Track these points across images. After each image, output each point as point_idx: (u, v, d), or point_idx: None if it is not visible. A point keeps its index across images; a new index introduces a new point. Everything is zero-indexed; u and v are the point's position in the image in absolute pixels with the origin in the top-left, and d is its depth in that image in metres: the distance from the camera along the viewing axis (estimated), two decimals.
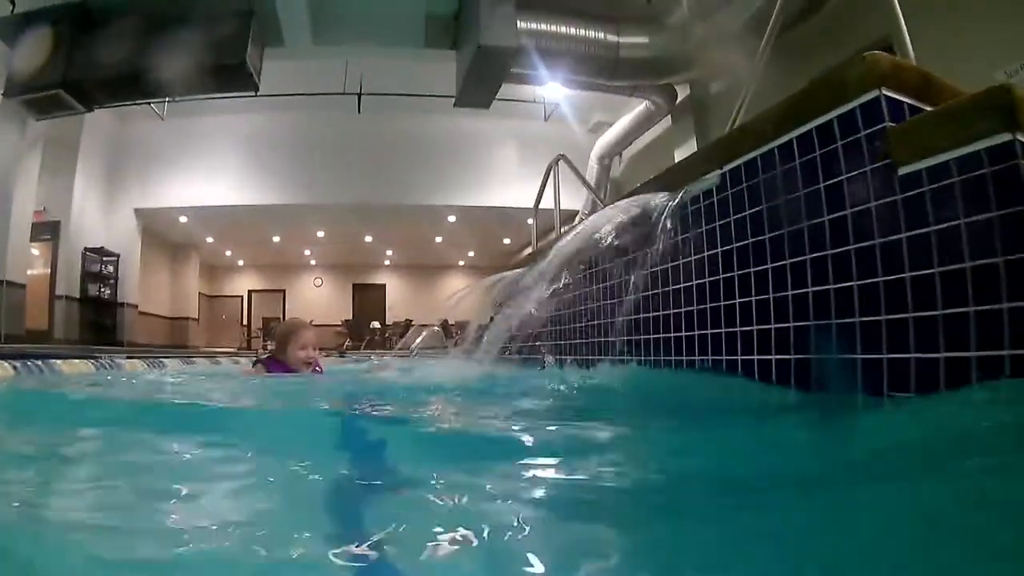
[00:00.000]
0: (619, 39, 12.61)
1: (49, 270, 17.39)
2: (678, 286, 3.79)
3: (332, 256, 31.42)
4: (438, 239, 26.90)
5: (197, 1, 12.22)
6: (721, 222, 3.38)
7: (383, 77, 17.09)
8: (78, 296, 18.30)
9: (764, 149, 3.01)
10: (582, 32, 12.48)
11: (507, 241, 26.61)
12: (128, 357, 10.24)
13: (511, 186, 19.89)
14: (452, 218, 22.79)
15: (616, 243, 4.55)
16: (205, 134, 20.57)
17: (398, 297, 32.42)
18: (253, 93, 13.42)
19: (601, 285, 5.06)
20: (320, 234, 27.01)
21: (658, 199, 4.14)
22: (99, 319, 19.06)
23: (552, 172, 8.85)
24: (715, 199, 3.48)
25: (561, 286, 5.65)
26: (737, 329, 3.14)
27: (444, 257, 30.75)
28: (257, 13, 12.41)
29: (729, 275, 3.24)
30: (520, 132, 20.09)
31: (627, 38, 12.72)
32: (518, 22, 11.66)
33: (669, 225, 3.96)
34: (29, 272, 16.01)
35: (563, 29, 12.42)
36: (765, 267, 2.94)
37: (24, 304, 14.99)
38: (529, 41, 11.90)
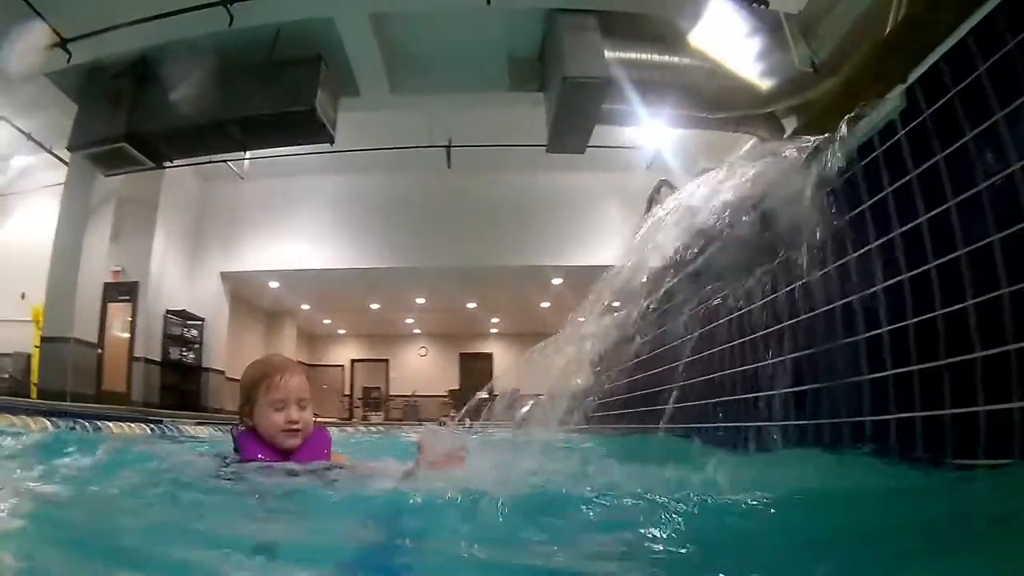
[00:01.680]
0: (715, 66, 11.52)
1: (128, 332, 17.20)
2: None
3: (436, 324, 31.07)
4: (544, 304, 26.08)
5: (262, 49, 11.85)
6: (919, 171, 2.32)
7: (472, 129, 16.41)
8: (159, 359, 18.17)
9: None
10: (675, 59, 11.32)
11: (617, 304, 25.56)
12: (198, 423, 9.88)
13: (615, 243, 18.94)
14: (557, 280, 21.93)
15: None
16: (291, 196, 20.45)
17: (505, 365, 31.62)
18: (329, 144, 13.02)
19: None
20: (420, 301, 26.60)
21: (792, 155, 3.00)
22: (181, 384, 18.91)
23: (653, 202, 7.91)
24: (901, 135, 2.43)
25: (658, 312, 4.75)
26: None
27: (551, 323, 29.72)
28: (328, 60, 12.01)
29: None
30: (621, 185, 19.16)
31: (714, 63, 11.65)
32: (605, 51, 10.80)
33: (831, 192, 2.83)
34: (109, 333, 16.21)
35: (655, 57, 11.35)
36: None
37: (97, 364, 14.90)
38: (619, 71, 10.95)
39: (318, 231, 20.72)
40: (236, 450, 3.17)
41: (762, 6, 10.84)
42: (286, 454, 3.14)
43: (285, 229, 20.62)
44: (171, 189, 18.35)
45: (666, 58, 11.27)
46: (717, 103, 11.54)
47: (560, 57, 10.71)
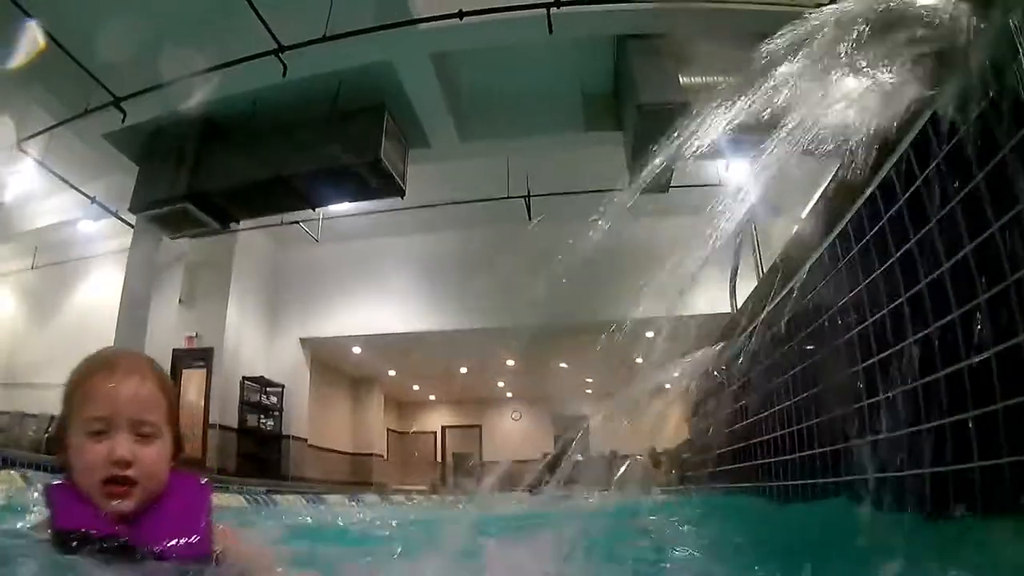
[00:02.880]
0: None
1: (203, 398, 17.00)
2: None
3: (528, 387, 30.49)
4: (638, 359, 25.28)
5: (325, 100, 11.55)
6: None
7: (551, 177, 15.84)
8: (235, 426, 18.02)
9: None
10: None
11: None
12: (268, 491, 9.67)
13: (708, 289, 18.16)
14: (649, 333, 21.15)
15: None
16: (368, 258, 20.31)
17: (603, 429, 30.82)
18: (400, 198, 12.69)
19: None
20: (510, 363, 26.05)
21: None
22: (260, 451, 18.64)
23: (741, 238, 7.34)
24: None
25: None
26: None
27: (649, 383, 29.04)
28: (392, 109, 11.66)
29: None
30: (712, 227, 18.47)
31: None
32: (681, 77, 10.18)
33: None
34: (184, 399, 16.22)
35: (732, 79, 10.71)
36: None
37: None
38: (697, 97, 10.34)
39: (398, 294, 20.48)
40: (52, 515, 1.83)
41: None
42: (124, 523, 1.80)
43: (364, 293, 20.45)
44: (244, 253, 18.36)
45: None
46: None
47: (633, 85, 10.19)
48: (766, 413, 4.63)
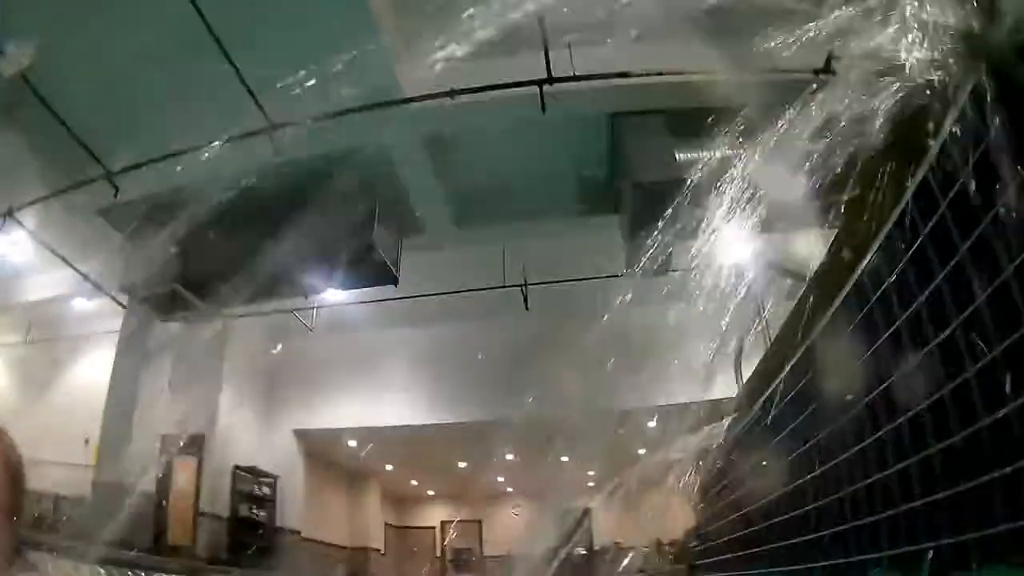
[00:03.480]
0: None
1: (193, 486, 16.54)
2: None
3: (529, 481, 29.78)
4: (641, 451, 25.00)
5: (318, 183, 11.47)
6: None
7: (548, 267, 15.71)
8: (227, 515, 17.50)
9: None
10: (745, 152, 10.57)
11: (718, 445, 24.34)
12: None
13: (715, 375, 17.95)
14: (651, 423, 20.88)
15: None
16: (364, 349, 20.24)
17: (605, 521, 30.34)
18: (393, 286, 12.56)
19: None
20: (509, 457, 25.69)
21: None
22: (252, 541, 17.96)
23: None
24: None
25: None
26: None
27: (650, 473, 28.58)
28: (386, 194, 11.66)
29: None
30: (711, 314, 18.28)
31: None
32: (677, 153, 10.12)
33: None
34: (175, 486, 15.83)
35: (731, 152, 10.61)
36: None
37: (160, 516, 14.89)
38: (694, 173, 10.23)
39: (393, 386, 20.22)
40: None
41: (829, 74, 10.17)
42: None
43: (359, 385, 20.21)
44: (238, 340, 18.14)
45: (740, 152, 10.53)
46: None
47: (628, 163, 10.11)
48: (782, 491, 4.37)
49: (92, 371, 16.93)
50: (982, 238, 2.01)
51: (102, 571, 5.58)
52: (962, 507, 2.15)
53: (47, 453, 15.88)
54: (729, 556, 5.58)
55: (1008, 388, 1.88)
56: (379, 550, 26.98)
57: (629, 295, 15.67)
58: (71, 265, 14.03)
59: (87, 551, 8.89)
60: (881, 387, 2.76)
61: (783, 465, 4.22)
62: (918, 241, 2.40)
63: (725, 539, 5.66)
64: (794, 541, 3.94)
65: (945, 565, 2.27)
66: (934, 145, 2.33)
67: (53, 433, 16.32)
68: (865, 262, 3.00)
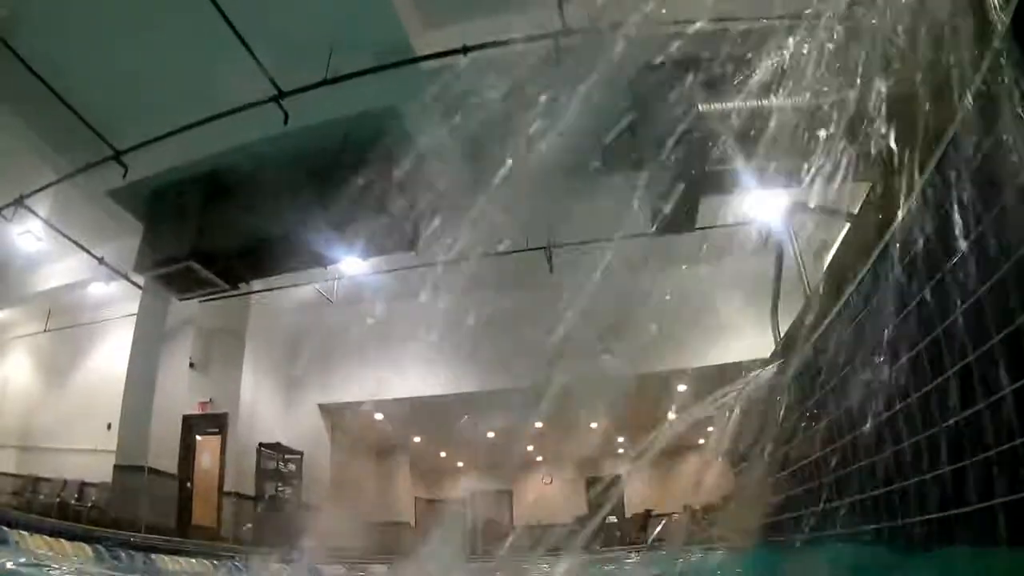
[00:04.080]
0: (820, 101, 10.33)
1: (218, 465, 16.72)
2: None
3: (559, 449, 29.78)
4: (671, 415, 24.76)
5: (329, 154, 11.25)
6: None
7: (572, 229, 15.46)
8: (252, 495, 17.51)
9: None
10: (777, 102, 10.22)
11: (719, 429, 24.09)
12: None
13: (742, 337, 17.68)
14: (682, 387, 20.65)
15: None
16: (387, 320, 19.91)
17: (637, 487, 30.21)
18: (413, 253, 12.30)
19: None
20: (538, 425, 25.53)
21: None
22: (278, 520, 17.80)
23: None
24: None
25: None
26: None
27: (682, 438, 28.38)
28: (401, 160, 11.36)
29: None
30: (741, 271, 18.01)
31: (828, 99, 10.38)
32: (700, 104, 9.81)
33: None
34: (199, 467, 16.06)
35: (753, 103, 10.27)
36: None
37: (185, 497, 14.94)
38: (718, 124, 9.91)
39: (419, 357, 20.02)
40: None
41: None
42: None
43: (384, 357, 19.95)
44: (259, 317, 18.05)
45: (766, 103, 10.20)
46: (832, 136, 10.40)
47: (650, 113, 9.79)
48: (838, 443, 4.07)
49: (113, 356, 16.85)
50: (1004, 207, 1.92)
51: (123, 554, 5.48)
52: None
53: (71, 440, 15.93)
54: (776, 519, 5.30)
55: None
56: (410, 523, 26.87)
57: (653, 255, 15.50)
58: (86, 250, 14.03)
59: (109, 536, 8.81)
60: (927, 339, 2.58)
61: (826, 420, 4.00)
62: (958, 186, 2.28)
63: (770, 500, 5.38)
64: (850, 500, 3.67)
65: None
66: (975, 84, 2.19)
67: (77, 420, 16.41)
68: (904, 211, 2.87)
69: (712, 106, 10.02)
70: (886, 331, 2.97)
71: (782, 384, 4.71)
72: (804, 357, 4.11)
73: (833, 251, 4.28)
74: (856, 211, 4.32)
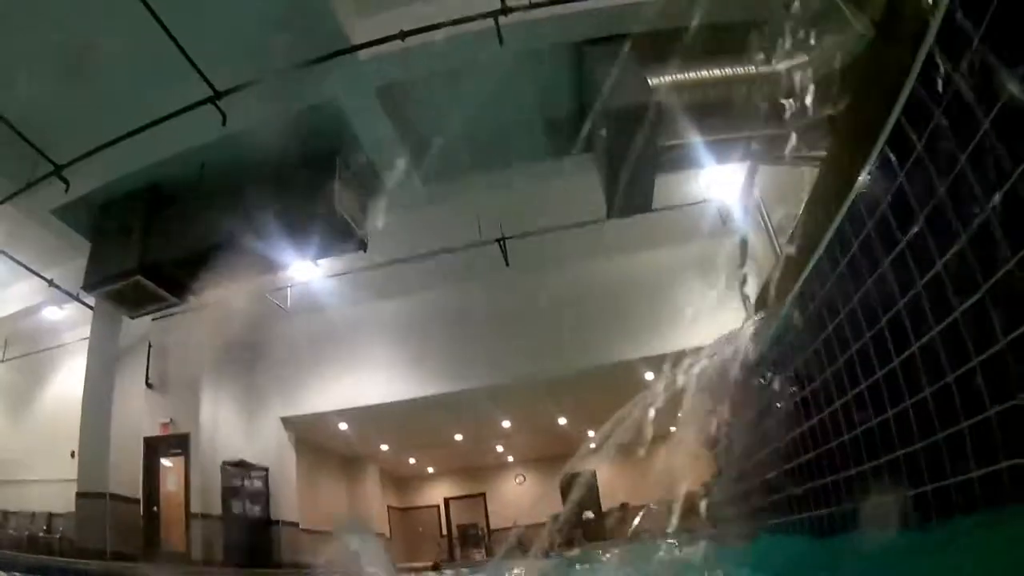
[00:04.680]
0: (775, 67, 10.19)
1: (182, 487, 16.64)
2: None
3: (529, 449, 29.94)
4: (646, 408, 24.75)
5: (273, 157, 11.11)
6: None
7: (526, 220, 15.26)
8: (219, 514, 17.19)
9: None
10: (728, 71, 10.07)
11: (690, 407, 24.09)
12: None
13: (702, 320, 17.63)
14: (649, 374, 20.57)
15: None
16: (343, 328, 19.90)
17: (611, 481, 30.22)
18: (362, 252, 12.28)
19: None
20: (506, 424, 25.49)
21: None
22: (248, 539, 17.76)
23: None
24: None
25: None
26: None
27: (656, 426, 28.39)
28: (346, 155, 11.28)
29: None
30: (699, 254, 17.95)
31: (784, 63, 10.25)
32: (649, 79, 9.71)
33: None
34: (164, 489, 16.15)
35: (704, 73, 10.15)
36: None
37: (152, 522, 15.01)
38: (670, 96, 9.79)
39: (378, 362, 19.95)
40: None
41: None
42: None
43: (344, 365, 19.98)
44: (215, 332, 17.81)
45: (717, 72, 10.13)
46: (782, 109, 10.25)
47: (599, 92, 9.65)
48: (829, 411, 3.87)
49: (73, 382, 16.62)
50: (980, 145, 1.85)
51: None
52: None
53: (37, 471, 15.68)
54: (752, 506, 5.10)
55: None
56: (384, 534, 26.77)
57: (611, 240, 15.42)
58: (33, 272, 13.92)
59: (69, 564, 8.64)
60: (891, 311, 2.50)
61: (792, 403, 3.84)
62: (915, 153, 2.22)
63: (755, 483, 5.13)
64: (816, 484, 3.55)
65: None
66: (924, 44, 2.12)
67: (41, 450, 16.22)
68: (861, 178, 2.74)
69: (662, 79, 9.95)
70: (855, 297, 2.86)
71: (755, 351, 4.47)
72: (777, 319, 3.92)
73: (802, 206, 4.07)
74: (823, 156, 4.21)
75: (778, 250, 5.74)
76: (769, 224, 6.14)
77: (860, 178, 2.69)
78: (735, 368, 4.56)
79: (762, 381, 4.34)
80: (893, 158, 2.37)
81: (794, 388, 3.74)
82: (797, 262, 3.58)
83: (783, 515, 4.14)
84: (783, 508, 4.13)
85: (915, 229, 2.26)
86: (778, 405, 4.07)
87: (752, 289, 6.26)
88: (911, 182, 2.25)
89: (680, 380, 4.65)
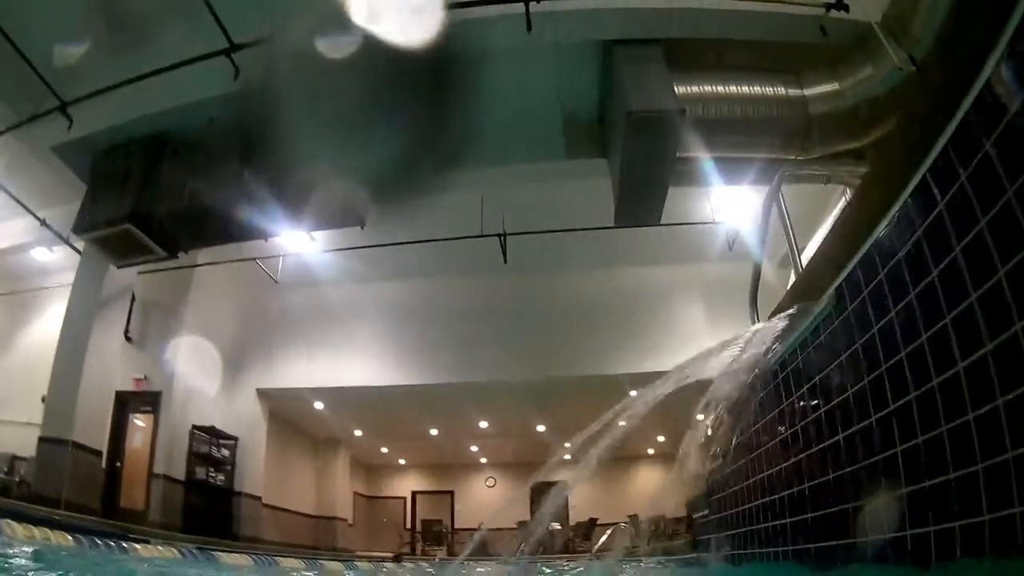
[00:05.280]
0: (804, 92, 10.04)
1: (148, 446, 16.42)
2: None
3: (503, 452, 29.99)
4: (621, 422, 24.57)
5: (279, 116, 10.92)
6: None
7: (530, 220, 15.04)
8: (182, 478, 16.99)
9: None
10: (756, 89, 9.97)
11: (701, 418, 23.91)
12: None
13: (698, 342, 17.44)
14: (633, 392, 20.36)
15: None
16: (334, 306, 19.75)
17: (582, 494, 30.14)
18: (360, 227, 12.14)
19: None
20: (483, 424, 25.38)
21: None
22: (208, 507, 17.62)
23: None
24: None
25: None
26: None
27: (629, 446, 28.19)
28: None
29: None
30: (701, 277, 17.85)
31: (814, 88, 10.09)
32: (676, 86, 9.58)
33: None
34: (131, 446, 15.95)
35: (731, 88, 9.99)
36: None
37: (113, 478, 14.89)
38: (693, 107, 9.63)
39: (365, 345, 19.86)
40: None
41: (841, 11, 9.58)
42: None
43: (328, 344, 19.85)
44: (201, 294, 17.69)
45: (744, 89, 9.98)
46: (806, 135, 10.04)
47: (622, 93, 9.52)
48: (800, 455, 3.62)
49: (54, 325, 16.48)
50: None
51: (37, 532, 5.20)
52: None
53: (8, 412, 15.50)
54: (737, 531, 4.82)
55: None
56: (347, 520, 26.63)
57: (614, 251, 15.26)
58: (26, 208, 13.71)
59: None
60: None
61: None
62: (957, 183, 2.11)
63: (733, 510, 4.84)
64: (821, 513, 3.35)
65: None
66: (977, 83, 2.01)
67: (15, 391, 15.98)
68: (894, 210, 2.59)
69: (689, 88, 9.82)
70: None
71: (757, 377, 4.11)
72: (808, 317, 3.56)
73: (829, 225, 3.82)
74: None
75: (798, 265, 5.38)
76: (792, 233, 5.76)
77: (895, 207, 2.58)
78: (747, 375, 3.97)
79: (775, 391, 3.99)
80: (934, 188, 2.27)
81: (814, 402, 3.39)
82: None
83: (776, 544, 3.85)
84: (778, 536, 3.81)
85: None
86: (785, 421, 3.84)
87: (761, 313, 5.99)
88: (950, 213, 2.15)
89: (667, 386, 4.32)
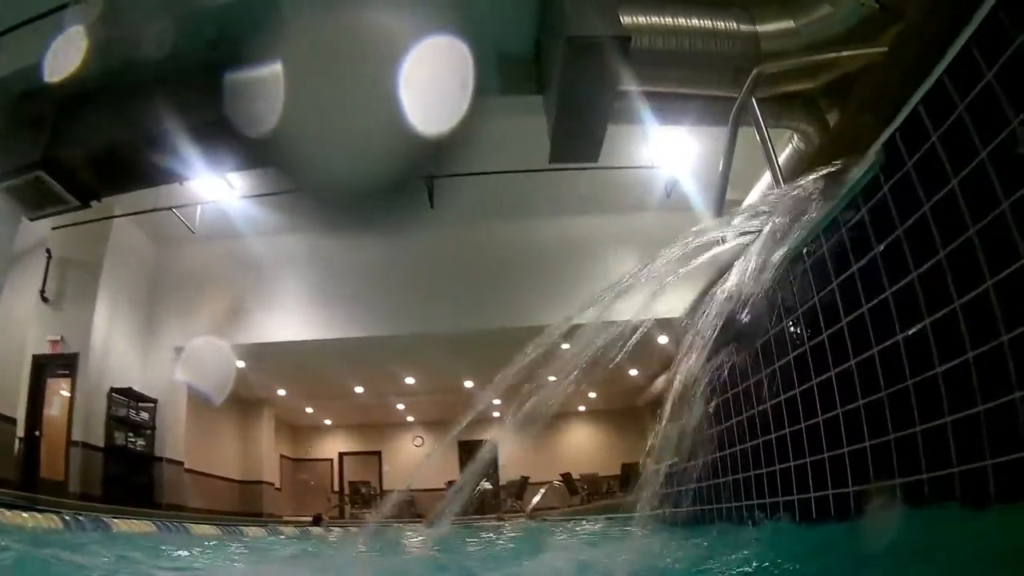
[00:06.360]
0: (756, 28, 9.85)
1: (66, 412, 15.93)
2: None
3: (431, 410, 29.94)
4: (551, 378, 24.53)
5: (205, 51, 10.46)
6: None
7: (458, 157, 14.71)
8: (101, 445, 16.52)
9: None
10: (706, 22, 9.76)
11: (634, 373, 24.03)
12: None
13: (633, 296, 17.36)
14: (566, 345, 20.26)
15: None
16: (253, 259, 19.23)
17: (512, 453, 30.16)
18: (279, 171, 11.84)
19: None
20: (410, 381, 25.19)
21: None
22: (128, 474, 17.17)
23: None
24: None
25: None
26: None
27: (566, 402, 28.28)
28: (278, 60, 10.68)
29: None
30: (634, 227, 17.70)
31: (767, 25, 9.87)
32: (620, 15, 9.28)
33: None
34: (48, 413, 15.46)
35: (680, 20, 9.73)
36: None
37: (31, 447, 14.55)
38: (638, 37, 9.32)
39: (286, 299, 19.61)
40: None
41: None
42: None
43: (248, 299, 19.47)
44: (118, 250, 17.24)
45: (694, 21, 9.76)
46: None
47: (561, 18, 9.17)
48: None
49: None
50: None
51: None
52: None
53: None
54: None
55: None
56: (274, 484, 26.54)
57: (548, 198, 15.02)
58: None
59: None
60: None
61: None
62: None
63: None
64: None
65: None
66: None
67: None
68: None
69: (635, 18, 9.56)
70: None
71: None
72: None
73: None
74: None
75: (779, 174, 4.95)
76: (769, 137, 5.33)
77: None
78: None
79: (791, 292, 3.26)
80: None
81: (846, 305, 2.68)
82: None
83: (794, 492, 3.26)
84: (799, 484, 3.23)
85: None
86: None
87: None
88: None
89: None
